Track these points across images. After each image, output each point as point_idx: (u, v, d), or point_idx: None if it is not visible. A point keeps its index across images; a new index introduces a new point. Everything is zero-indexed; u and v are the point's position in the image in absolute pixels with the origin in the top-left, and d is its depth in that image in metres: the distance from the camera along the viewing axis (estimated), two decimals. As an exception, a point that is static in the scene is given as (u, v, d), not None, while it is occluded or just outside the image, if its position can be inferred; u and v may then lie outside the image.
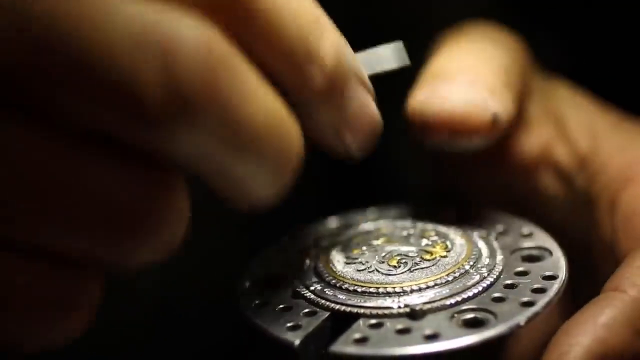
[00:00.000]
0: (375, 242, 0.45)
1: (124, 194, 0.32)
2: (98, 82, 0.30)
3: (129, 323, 0.56)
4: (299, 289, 0.42)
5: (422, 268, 0.42)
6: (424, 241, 0.44)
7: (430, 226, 0.46)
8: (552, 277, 0.42)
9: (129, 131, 0.31)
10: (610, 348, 0.38)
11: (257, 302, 0.42)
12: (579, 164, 0.49)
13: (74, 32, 0.29)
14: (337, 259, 0.43)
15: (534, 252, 0.45)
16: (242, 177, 0.33)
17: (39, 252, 0.31)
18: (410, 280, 0.41)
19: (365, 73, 0.39)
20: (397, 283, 0.41)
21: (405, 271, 0.42)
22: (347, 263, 0.43)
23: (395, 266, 0.42)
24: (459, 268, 0.42)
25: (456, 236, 0.45)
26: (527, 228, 0.47)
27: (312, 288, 0.42)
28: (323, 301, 0.41)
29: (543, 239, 0.46)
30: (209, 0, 0.32)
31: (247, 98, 0.32)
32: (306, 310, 0.41)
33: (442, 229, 0.46)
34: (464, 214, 0.48)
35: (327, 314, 0.40)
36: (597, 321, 0.38)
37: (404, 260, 0.42)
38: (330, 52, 0.36)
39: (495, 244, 0.45)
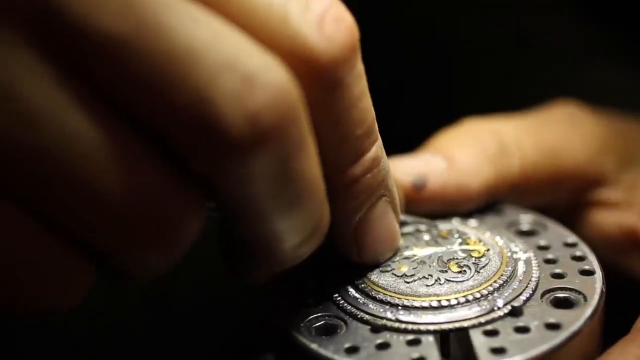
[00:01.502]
0: (406, 253, 0.43)
1: (162, 205, 0.32)
2: (176, 94, 0.30)
3: (128, 321, 0.56)
4: (373, 321, 0.39)
5: (484, 266, 0.41)
6: (455, 240, 0.44)
7: (433, 223, 0.46)
8: (573, 244, 0.44)
9: (199, 148, 0.31)
10: None
11: (346, 346, 0.38)
12: None
13: (162, 42, 0.30)
14: (385, 279, 0.41)
15: (526, 227, 0.47)
16: (275, 229, 0.35)
17: (60, 230, 0.32)
18: (486, 281, 0.40)
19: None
20: (477, 287, 0.40)
21: (474, 274, 0.41)
22: (407, 282, 0.41)
23: (460, 272, 0.41)
24: (508, 257, 0.42)
25: (466, 227, 0.45)
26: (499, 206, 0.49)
27: (388, 316, 0.39)
28: (415, 326, 0.38)
29: (508, 207, 0.48)
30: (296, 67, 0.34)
31: (303, 153, 0.34)
32: (408, 338, 0.38)
33: (447, 224, 0.46)
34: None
35: (430, 337, 0.38)
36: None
37: (463, 264, 0.42)
38: (372, 155, 0.39)
39: (488, 225, 0.46)
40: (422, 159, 0.47)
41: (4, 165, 0.30)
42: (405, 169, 0.45)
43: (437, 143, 0.48)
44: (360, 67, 0.36)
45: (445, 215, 0.47)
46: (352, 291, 0.41)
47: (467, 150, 0.47)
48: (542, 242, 0.44)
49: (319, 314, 0.40)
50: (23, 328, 0.56)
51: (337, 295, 0.41)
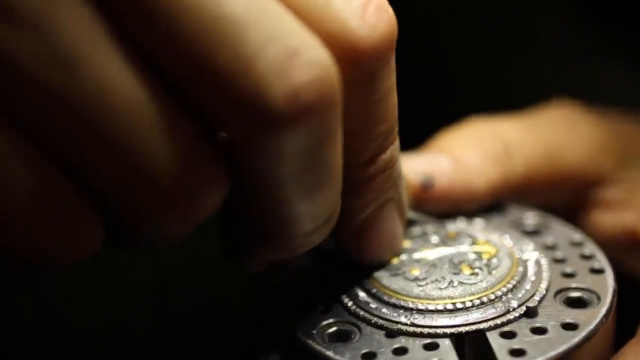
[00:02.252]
0: (416, 255, 0.43)
1: (192, 172, 0.32)
2: (218, 61, 0.30)
3: (127, 318, 0.57)
4: (388, 326, 0.39)
5: (495, 268, 0.41)
6: (463, 241, 0.43)
7: (441, 223, 0.45)
8: (580, 243, 0.44)
9: (236, 119, 0.31)
10: None
11: (363, 352, 0.37)
12: None
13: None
14: (397, 283, 0.41)
15: (531, 227, 0.46)
16: (293, 212, 0.35)
17: (81, 179, 0.31)
18: (499, 283, 0.40)
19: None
20: (490, 288, 0.40)
21: (486, 276, 0.41)
22: (420, 285, 0.41)
23: (473, 274, 0.41)
24: (518, 258, 0.42)
25: (473, 228, 0.45)
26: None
27: (403, 320, 0.39)
28: (432, 329, 0.38)
29: (512, 206, 0.48)
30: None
31: (334, 138, 0.33)
32: (425, 342, 0.38)
33: (454, 225, 0.46)
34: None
35: (446, 341, 0.38)
36: None
37: (476, 265, 0.41)
38: (389, 156, 0.39)
39: (494, 224, 0.46)
40: (429, 158, 0.47)
41: (38, 107, 0.30)
42: (412, 168, 0.45)
43: (441, 143, 0.48)
44: (394, 63, 0.36)
45: (449, 214, 0.47)
46: (363, 296, 0.41)
47: (472, 151, 0.47)
48: (549, 242, 0.44)
49: (331, 320, 0.40)
50: (23, 327, 0.56)
51: (347, 300, 0.41)
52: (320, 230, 0.36)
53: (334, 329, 0.40)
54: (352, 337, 0.39)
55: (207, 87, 0.31)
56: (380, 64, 0.35)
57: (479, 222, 0.46)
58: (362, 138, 0.37)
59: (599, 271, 0.42)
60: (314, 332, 0.39)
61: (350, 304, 0.41)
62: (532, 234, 0.46)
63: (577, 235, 0.45)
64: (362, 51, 0.34)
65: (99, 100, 0.30)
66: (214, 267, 0.57)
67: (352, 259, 0.42)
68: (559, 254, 0.43)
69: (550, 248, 0.44)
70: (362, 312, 0.40)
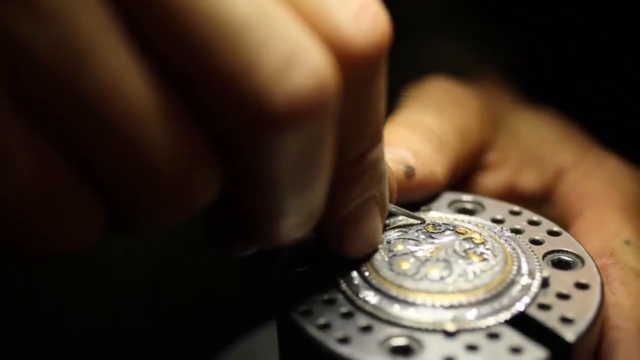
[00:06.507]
0: (419, 254, 0.46)
1: (192, 166, 0.34)
2: (220, 60, 0.32)
3: (119, 314, 0.57)
4: (444, 328, 0.42)
5: (494, 250, 0.46)
6: (445, 231, 0.48)
7: (421, 218, 0.49)
8: (520, 212, 0.52)
9: (234, 116, 0.33)
10: None
11: (442, 357, 0.41)
12: (545, 192, 0.58)
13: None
14: (425, 285, 0.44)
15: (469, 206, 0.53)
16: (282, 206, 0.37)
17: (85, 168, 0.33)
18: (506, 263, 0.45)
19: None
20: (504, 270, 0.45)
21: (494, 258, 0.45)
22: (448, 283, 0.44)
23: (483, 260, 0.45)
24: (498, 237, 0.48)
25: (436, 218, 0.50)
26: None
27: (454, 318, 0.42)
28: (483, 321, 0.42)
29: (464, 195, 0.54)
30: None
31: (329, 138, 0.36)
32: (487, 334, 0.42)
33: (432, 216, 0.50)
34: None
35: (502, 328, 0.42)
36: None
37: (480, 252, 0.46)
38: (374, 157, 0.41)
39: (441, 211, 0.52)
40: (393, 151, 0.50)
41: (46, 94, 0.31)
42: (387, 159, 0.48)
43: (389, 138, 0.51)
44: (384, 70, 0.38)
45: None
46: (396, 306, 0.43)
47: (422, 144, 0.52)
48: (496, 217, 0.50)
49: (383, 336, 0.42)
50: (15, 325, 0.53)
51: (380, 313, 0.43)
52: (304, 225, 0.39)
53: (391, 343, 0.42)
54: (412, 347, 0.42)
55: (209, 86, 0.32)
56: (370, 71, 0.37)
57: (431, 212, 0.51)
58: (349, 139, 0.39)
59: (558, 233, 0.49)
60: (375, 349, 0.41)
61: (388, 316, 0.43)
62: (475, 212, 0.51)
63: (513, 207, 0.51)
64: (352, 57, 0.36)
65: (106, 92, 0.31)
66: (204, 263, 0.57)
67: (333, 253, 0.45)
68: (517, 226, 0.49)
69: (502, 222, 0.50)
70: (407, 322, 0.43)
